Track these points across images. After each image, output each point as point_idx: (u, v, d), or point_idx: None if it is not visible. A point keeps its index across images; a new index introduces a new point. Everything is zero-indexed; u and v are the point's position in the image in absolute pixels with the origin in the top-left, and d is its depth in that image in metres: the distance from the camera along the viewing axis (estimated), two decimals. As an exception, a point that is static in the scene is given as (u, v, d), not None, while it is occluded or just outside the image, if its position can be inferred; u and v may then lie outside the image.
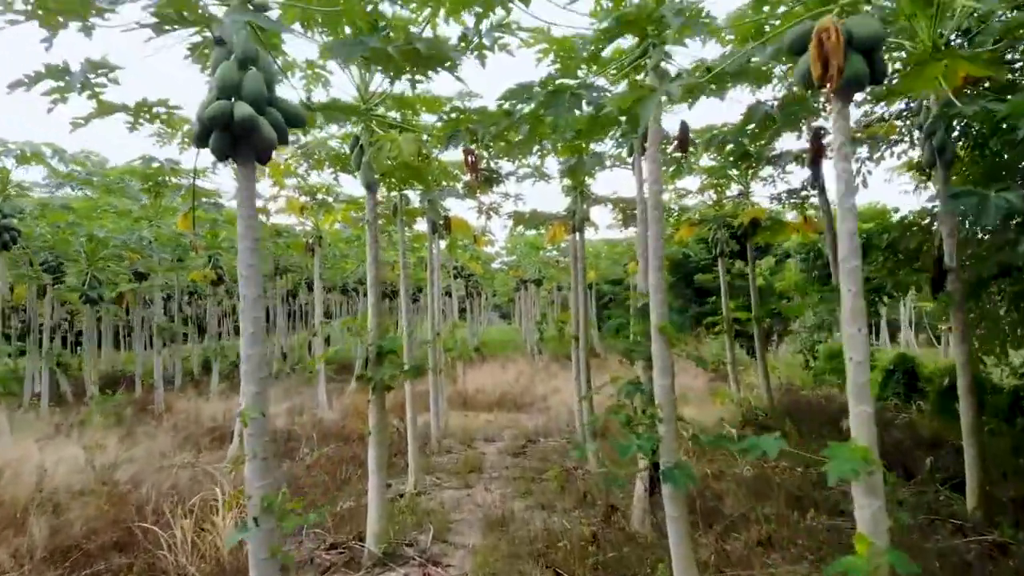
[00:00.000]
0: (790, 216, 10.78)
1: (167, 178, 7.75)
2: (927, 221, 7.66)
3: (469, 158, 5.20)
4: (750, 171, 8.35)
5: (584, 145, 5.57)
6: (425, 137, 6.02)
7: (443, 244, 15.34)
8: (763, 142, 7.46)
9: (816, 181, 7.45)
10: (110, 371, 18.58)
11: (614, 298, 28.62)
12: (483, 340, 31.21)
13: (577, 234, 8.29)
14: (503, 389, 12.58)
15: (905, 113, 7.57)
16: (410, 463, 6.91)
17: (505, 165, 7.63)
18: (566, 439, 9.19)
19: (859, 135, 7.42)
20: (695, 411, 11.05)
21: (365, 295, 20.87)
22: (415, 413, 7.08)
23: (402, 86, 4.75)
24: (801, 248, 12.73)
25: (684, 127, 4.48)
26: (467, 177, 6.22)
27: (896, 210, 14.27)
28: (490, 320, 48.67)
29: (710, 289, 17.01)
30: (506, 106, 4.15)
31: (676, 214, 10.29)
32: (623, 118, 4.53)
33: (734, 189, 10.26)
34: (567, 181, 8.13)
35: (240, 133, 2.87)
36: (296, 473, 7.29)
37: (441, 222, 8.31)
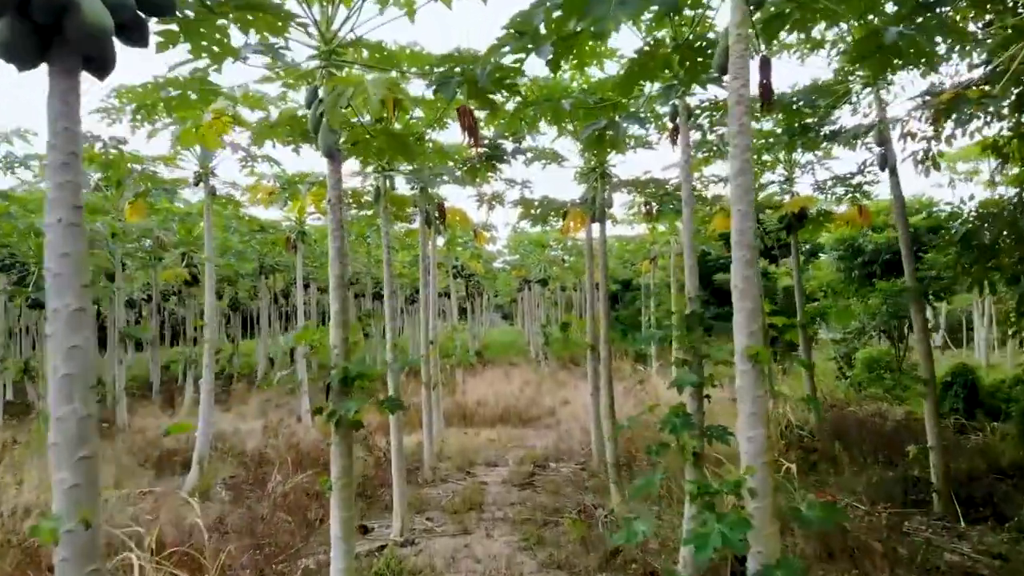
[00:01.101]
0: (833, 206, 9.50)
1: (108, 156, 6.48)
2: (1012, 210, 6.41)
3: (466, 119, 3.93)
4: (803, 148, 7.05)
5: (620, 103, 4.29)
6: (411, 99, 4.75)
7: (441, 241, 14.10)
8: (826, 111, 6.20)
9: (887, 161, 6.16)
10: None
11: (620, 299, 27.34)
12: (485, 343, 29.96)
13: (596, 225, 7.05)
14: (507, 401, 11.32)
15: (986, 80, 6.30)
16: (395, 503, 5.65)
17: (509, 148, 6.41)
18: (581, 466, 7.91)
19: (924, 109, 6.13)
20: (718, 422, 9.80)
21: (358, 296, 19.60)
22: (401, 439, 5.81)
23: (379, 32, 3.50)
24: (838, 244, 11.44)
25: (766, 64, 3.19)
26: (467, 146, 4.93)
27: (933, 203, 12.99)
28: (492, 321, 47.43)
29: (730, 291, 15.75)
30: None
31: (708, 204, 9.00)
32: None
33: (771, 176, 9.00)
34: (584, 163, 6.86)
35: (44, 12, 1.59)
36: (257, 514, 6.02)
37: (435, 212, 7.03)
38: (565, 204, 6.50)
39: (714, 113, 5.39)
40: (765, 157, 8.19)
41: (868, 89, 6.56)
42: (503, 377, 13.82)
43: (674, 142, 5.20)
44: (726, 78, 2.84)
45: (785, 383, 10.71)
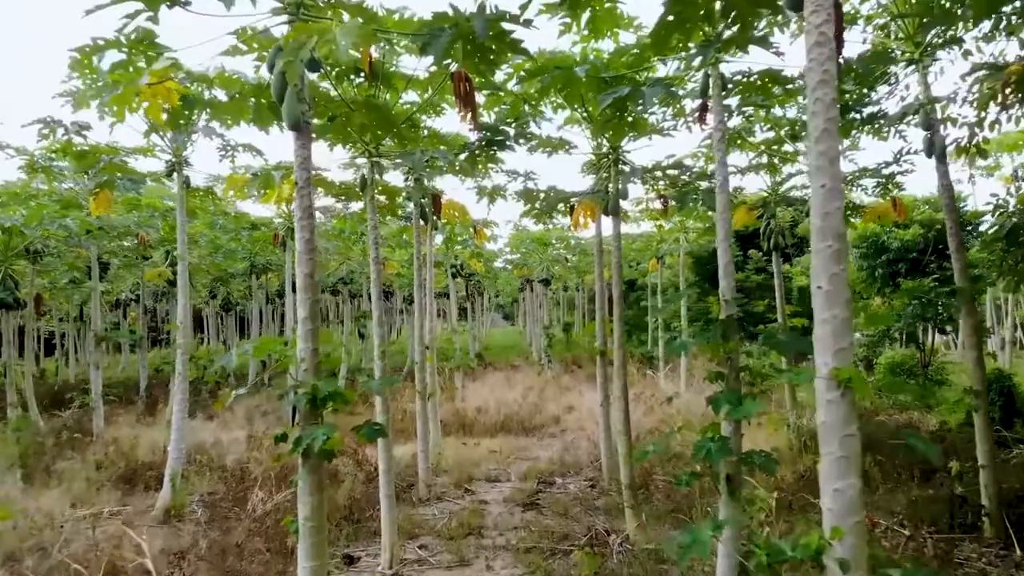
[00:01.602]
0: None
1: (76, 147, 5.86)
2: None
3: (461, 86, 3.28)
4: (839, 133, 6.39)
5: (647, 67, 3.64)
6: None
7: (440, 239, 13.46)
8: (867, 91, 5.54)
9: (934, 146, 5.50)
10: (70, 383, 16.73)
11: (624, 299, 26.72)
12: (485, 344, 29.31)
13: (606, 219, 6.43)
14: (509, 408, 10.67)
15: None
16: (384, 532, 5.00)
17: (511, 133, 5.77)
18: (590, 482, 7.26)
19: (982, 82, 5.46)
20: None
21: (354, 296, 18.93)
22: (391, 459, 5.16)
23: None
24: (860, 241, 10.79)
25: (839, 9, 2.53)
26: (462, 117, 4.29)
27: (961, 198, 12.33)
28: (493, 322, 46.81)
29: (742, 290, 15.05)
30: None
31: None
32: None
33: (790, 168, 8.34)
34: (594, 148, 6.22)
35: None
36: (231, 541, 5.38)
37: (429, 205, 6.39)
38: (574, 195, 5.84)
39: (746, 93, 4.74)
40: (787, 148, 7.56)
41: (911, 67, 5.91)
42: (504, 382, 13.17)
43: (702, 121, 4.55)
44: (797, 18, 2.19)
45: (801, 388, 10.05)
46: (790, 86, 4.42)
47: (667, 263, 15.66)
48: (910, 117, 5.99)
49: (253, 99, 3.65)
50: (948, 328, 10.30)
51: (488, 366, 19.42)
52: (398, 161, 4.48)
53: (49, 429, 9.98)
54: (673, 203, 6.99)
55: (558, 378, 14.70)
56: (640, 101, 3.61)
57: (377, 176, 5.11)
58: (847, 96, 5.77)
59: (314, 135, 3.73)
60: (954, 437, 8.19)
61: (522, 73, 4.68)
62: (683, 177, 5.96)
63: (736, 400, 3.57)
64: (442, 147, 4.80)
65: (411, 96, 6.01)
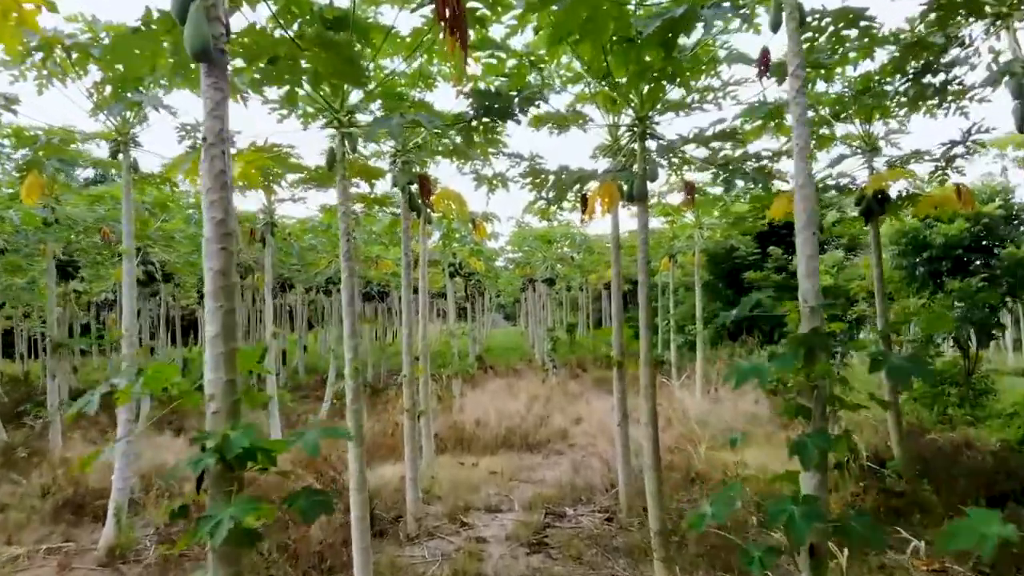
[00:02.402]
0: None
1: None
2: None
3: (446, 4, 2.29)
4: (906, 106, 5.38)
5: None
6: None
7: (436, 236, 12.49)
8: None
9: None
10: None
11: (631, 299, 25.70)
12: (486, 346, 28.32)
13: (625, 208, 5.48)
14: (511, 421, 9.68)
15: None
16: (357, 588, 4.02)
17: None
18: (606, 514, 6.27)
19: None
20: (767, 457, 8.17)
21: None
22: (365, 505, 4.17)
23: None
24: (899, 237, 9.79)
25: None
26: (448, 46, 3.30)
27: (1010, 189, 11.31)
28: (494, 322, 45.86)
29: (763, 289, 14.04)
30: None
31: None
32: None
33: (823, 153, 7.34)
34: (612, 125, 5.24)
35: None
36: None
37: (414, 187, 5.42)
38: (591, 176, 4.85)
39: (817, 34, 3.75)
40: (831, 130, 6.56)
41: (991, 25, 4.91)
42: (506, 389, 12.17)
43: (763, 73, 3.57)
44: None
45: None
46: (870, 27, 3.44)
47: (679, 262, 14.67)
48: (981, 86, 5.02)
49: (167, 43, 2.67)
50: (995, 332, 9.33)
51: (489, 370, 18.43)
52: (370, 128, 3.48)
53: (3, 446, 9.01)
54: (714, 188, 5.99)
55: (563, 384, 13.71)
56: (696, 25, 2.62)
57: (350, 153, 4.12)
58: (914, 62, 4.78)
59: (246, 86, 2.74)
60: (1019, 458, 7.22)
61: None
62: (725, 150, 4.94)
63: (827, 444, 2.59)
64: (427, 114, 3.80)
65: (397, 66, 5.04)
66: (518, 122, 4.49)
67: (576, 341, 29.34)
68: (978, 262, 9.40)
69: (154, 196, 9.75)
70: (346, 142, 4.07)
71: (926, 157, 6.37)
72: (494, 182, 6.58)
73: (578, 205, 6.92)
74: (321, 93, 3.83)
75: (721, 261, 14.77)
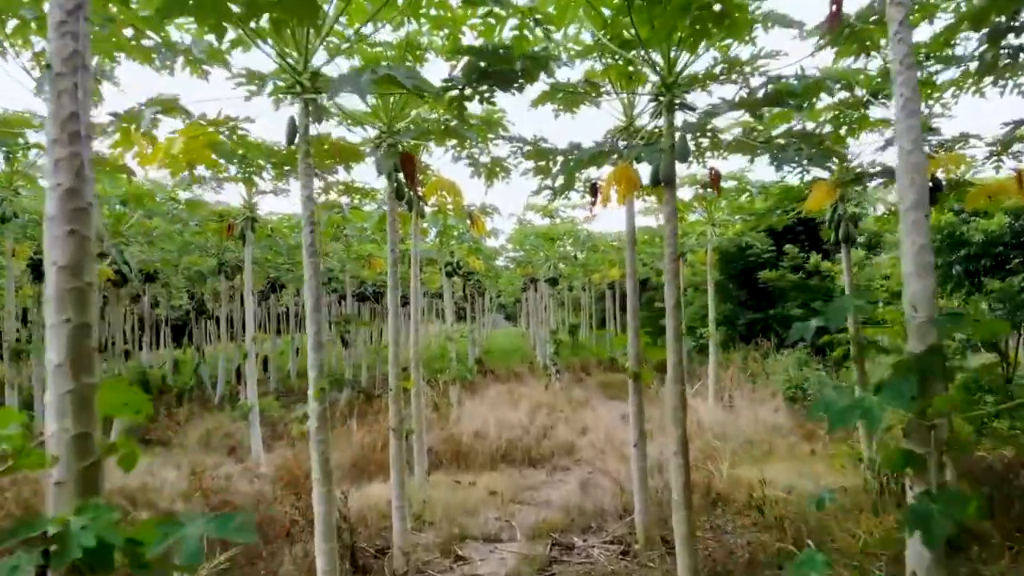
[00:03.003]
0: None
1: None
2: None
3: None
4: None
5: None
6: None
7: (433, 234, 11.74)
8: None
9: None
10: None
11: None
12: (486, 348, 27.59)
13: (651, 196, 4.76)
14: (512, 432, 8.94)
15: None
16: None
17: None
18: (621, 545, 5.52)
19: None
20: (792, 473, 7.43)
21: (333, 292, 17.16)
22: (334, 540, 3.42)
23: None
24: (932, 233, 9.05)
25: None
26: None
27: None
28: (495, 322, 45.18)
29: (780, 290, 13.30)
30: None
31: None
32: None
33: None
34: (627, 102, 4.51)
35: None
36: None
37: (398, 173, 4.69)
38: (612, 150, 4.09)
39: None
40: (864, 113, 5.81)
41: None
42: (507, 396, 11.42)
43: (833, 25, 2.84)
44: None
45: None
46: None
47: (688, 260, 13.93)
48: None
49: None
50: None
51: (488, 374, 17.70)
52: (333, 86, 2.73)
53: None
54: (754, 169, 5.24)
55: (567, 390, 12.96)
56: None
57: (316, 123, 3.37)
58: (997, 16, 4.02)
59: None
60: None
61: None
62: (758, 128, 4.18)
63: (962, 512, 1.84)
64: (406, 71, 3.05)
65: (380, 34, 4.31)
66: (520, 90, 3.75)
67: (579, 343, 28.60)
68: (1017, 260, 8.64)
69: (125, 189, 9.04)
70: (310, 111, 3.32)
71: (977, 141, 5.62)
72: (493, 170, 5.84)
73: (587, 195, 6.20)
74: (278, 50, 3.09)
75: (733, 260, 14.02)
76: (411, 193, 7.23)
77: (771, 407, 10.35)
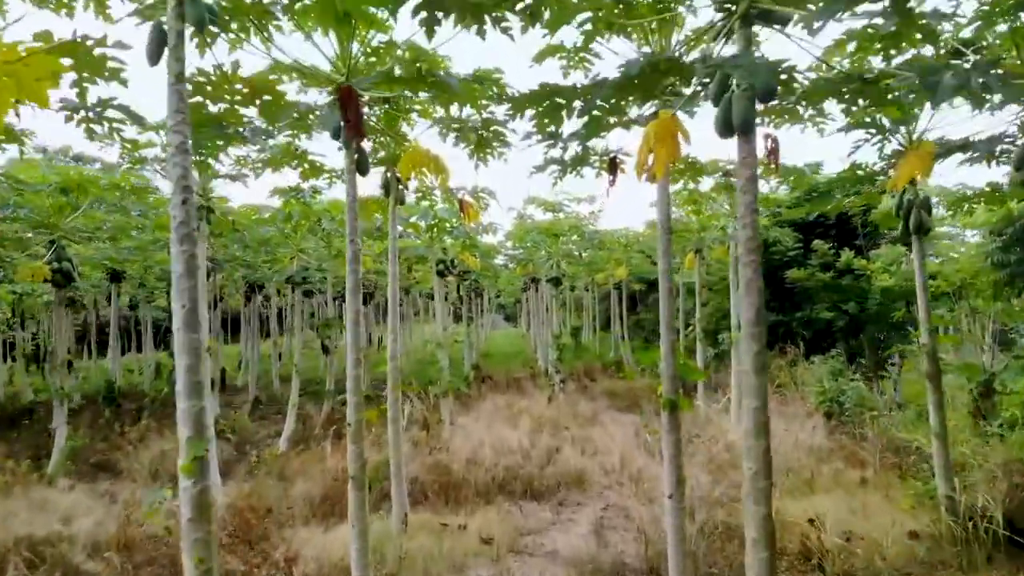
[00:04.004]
0: None
1: None
2: None
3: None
4: None
5: None
6: None
7: (423, 226, 10.47)
8: None
9: None
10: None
11: (642, 301, 23.71)
12: (485, 351, 26.32)
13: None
14: (511, 458, 7.68)
15: None
16: None
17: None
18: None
19: None
20: (843, 509, 6.17)
21: (309, 295, 15.83)
22: None
23: None
24: (1003, 225, 7.77)
25: None
26: None
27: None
28: (494, 323, 43.90)
29: (807, 290, 12.01)
30: None
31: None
32: None
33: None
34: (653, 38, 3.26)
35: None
36: None
37: (367, 144, 3.43)
38: (661, 67, 2.81)
39: None
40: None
41: None
42: (506, 412, 10.13)
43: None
44: None
45: (961, 438, 7.05)
46: None
47: (706, 258, 12.64)
48: None
49: None
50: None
51: (486, 381, 16.43)
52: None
53: None
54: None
55: (572, 402, 11.69)
56: None
57: (190, 26, 2.10)
58: None
59: None
60: None
61: None
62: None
63: None
64: None
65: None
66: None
67: (581, 345, 27.33)
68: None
69: (62, 177, 7.79)
70: (185, 9, 2.05)
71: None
72: (485, 139, 4.57)
73: (603, 172, 4.93)
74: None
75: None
76: (388, 175, 5.98)
77: (807, 424, 9.08)
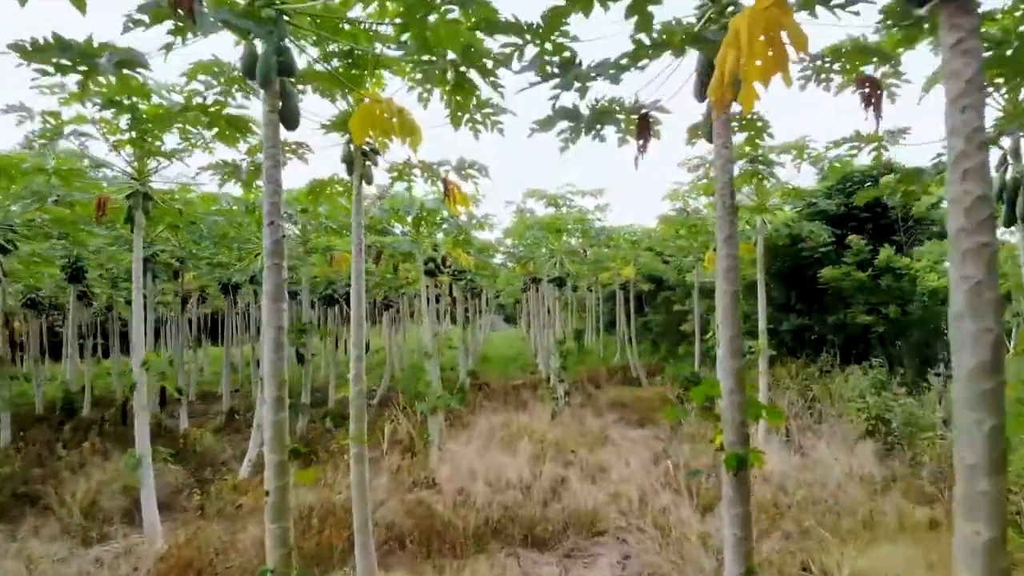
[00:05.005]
0: None
1: None
2: None
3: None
4: None
5: None
6: None
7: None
8: None
9: None
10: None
11: (649, 302, 22.44)
12: (483, 355, 25.09)
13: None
14: (508, 495, 6.40)
15: None
16: None
17: None
18: None
19: None
20: (917, 567, 4.94)
21: (293, 295, 14.55)
22: None
23: None
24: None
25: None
26: None
27: None
28: (493, 324, 42.64)
29: (839, 292, 10.73)
30: None
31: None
32: None
33: None
34: None
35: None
36: None
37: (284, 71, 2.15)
38: None
39: None
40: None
41: None
42: (503, 432, 8.85)
43: None
44: None
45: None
46: None
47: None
48: None
49: None
50: None
51: (482, 389, 15.18)
52: None
53: None
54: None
55: (578, 418, 10.42)
56: None
57: None
58: None
59: None
60: None
61: None
62: None
63: None
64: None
65: None
66: None
67: (584, 349, 26.07)
68: None
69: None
70: None
71: None
72: (463, 75, 3.32)
73: (629, 138, 3.67)
74: None
75: (781, 254, 11.48)
76: (351, 148, 4.74)
77: (853, 448, 7.82)
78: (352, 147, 4.70)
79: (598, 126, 3.37)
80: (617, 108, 3.41)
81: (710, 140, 3.07)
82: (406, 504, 6.03)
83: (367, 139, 3.45)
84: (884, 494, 6.77)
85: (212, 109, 3.37)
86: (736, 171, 9.29)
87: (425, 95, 4.56)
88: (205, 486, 7.61)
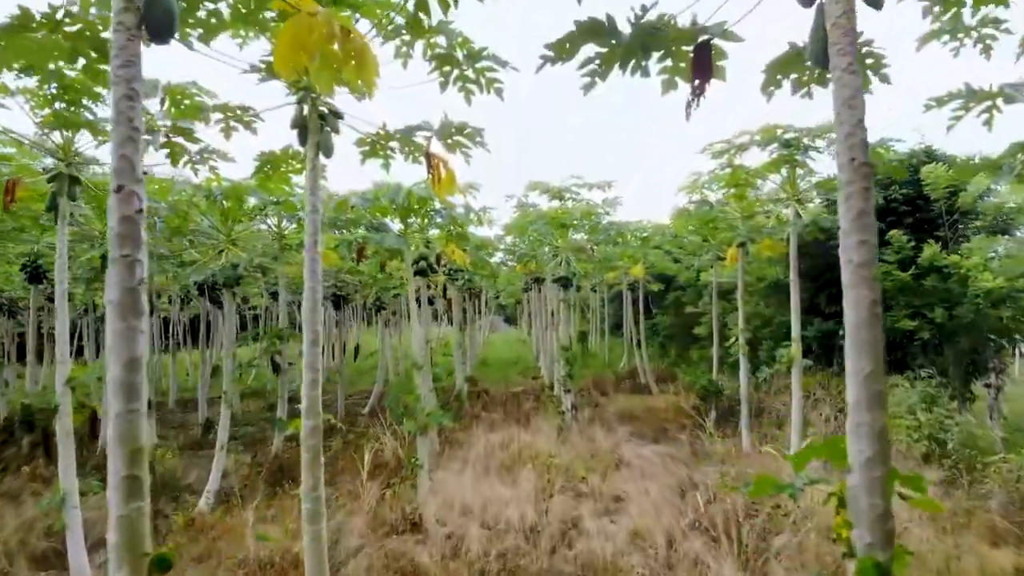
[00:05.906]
0: None
1: None
2: None
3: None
4: None
5: None
6: None
7: (419, 220, 8.00)
8: None
9: None
10: None
11: (657, 302, 21.34)
12: (482, 358, 24.02)
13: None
14: (508, 541, 5.31)
15: None
16: None
17: None
18: None
19: None
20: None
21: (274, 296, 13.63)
22: None
23: None
24: None
25: None
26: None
27: None
28: (493, 325, 41.58)
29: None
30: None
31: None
32: None
33: None
34: None
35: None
36: None
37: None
38: None
39: None
40: None
41: None
42: (502, 455, 7.74)
43: None
44: None
45: None
46: None
47: (750, 254, 10.28)
48: None
49: None
50: None
51: (481, 397, 14.12)
52: None
53: None
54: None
55: (587, 434, 9.33)
56: None
57: None
58: None
59: None
60: None
61: None
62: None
63: None
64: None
65: None
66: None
67: (589, 352, 25.00)
68: None
69: None
70: None
71: None
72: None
73: (677, 80, 2.59)
74: None
75: (810, 252, 10.39)
76: (303, 109, 3.71)
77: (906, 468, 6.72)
78: (306, 109, 3.62)
79: (643, 56, 2.29)
80: (666, 30, 2.32)
81: (821, 65, 1.98)
82: (385, 557, 4.93)
83: (298, 77, 2.36)
84: (955, 534, 5.69)
85: (71, 29, 2.27)
86: (767, 156, 8.23)
87: (404, 48, 3.56)
88: (158, 521, 6.54)
